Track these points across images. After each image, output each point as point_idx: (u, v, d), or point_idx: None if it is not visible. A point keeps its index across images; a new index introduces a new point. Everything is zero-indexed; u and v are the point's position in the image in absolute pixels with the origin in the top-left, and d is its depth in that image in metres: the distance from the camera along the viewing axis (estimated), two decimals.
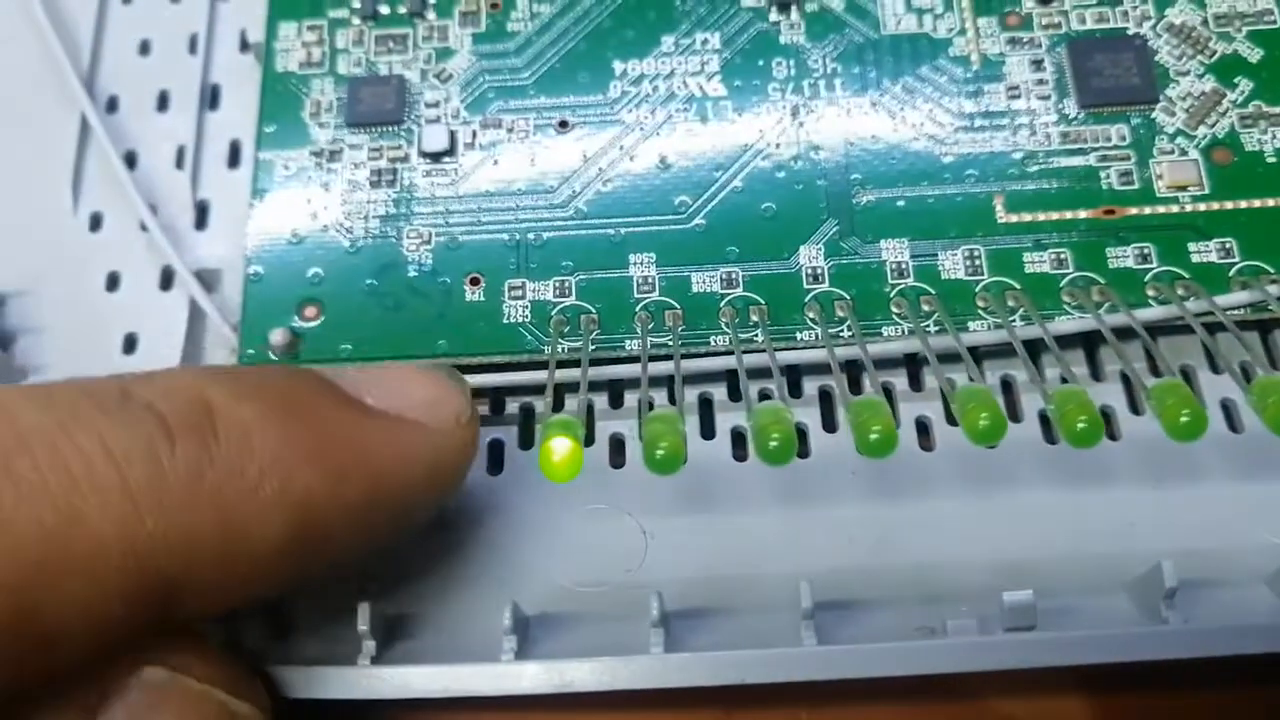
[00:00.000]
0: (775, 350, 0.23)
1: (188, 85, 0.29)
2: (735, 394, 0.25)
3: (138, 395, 0.17)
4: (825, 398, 0.25)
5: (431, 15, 0.28)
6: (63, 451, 0.16)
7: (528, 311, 0.25)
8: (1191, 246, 0.24)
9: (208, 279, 0.26)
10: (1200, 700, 0.22)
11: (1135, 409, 0.24)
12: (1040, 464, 0.23)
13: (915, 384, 0.25)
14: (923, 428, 0.24)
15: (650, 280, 0.25)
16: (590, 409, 0.24)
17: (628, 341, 0.24)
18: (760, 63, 0.27)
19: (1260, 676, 0.21)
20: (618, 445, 0.24)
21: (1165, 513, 0.23)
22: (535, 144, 0.26)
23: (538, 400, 0.25)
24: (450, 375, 0.21)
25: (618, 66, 0.27)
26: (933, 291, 0.24)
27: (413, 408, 0.20)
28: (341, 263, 0.25)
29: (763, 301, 0.24)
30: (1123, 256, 0.24)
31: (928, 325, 0.24)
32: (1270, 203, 0.25)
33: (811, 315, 0.24)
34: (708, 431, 0.24)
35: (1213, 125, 0.25)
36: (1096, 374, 0.24)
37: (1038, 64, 0.26)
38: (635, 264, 0.25)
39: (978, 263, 0.25)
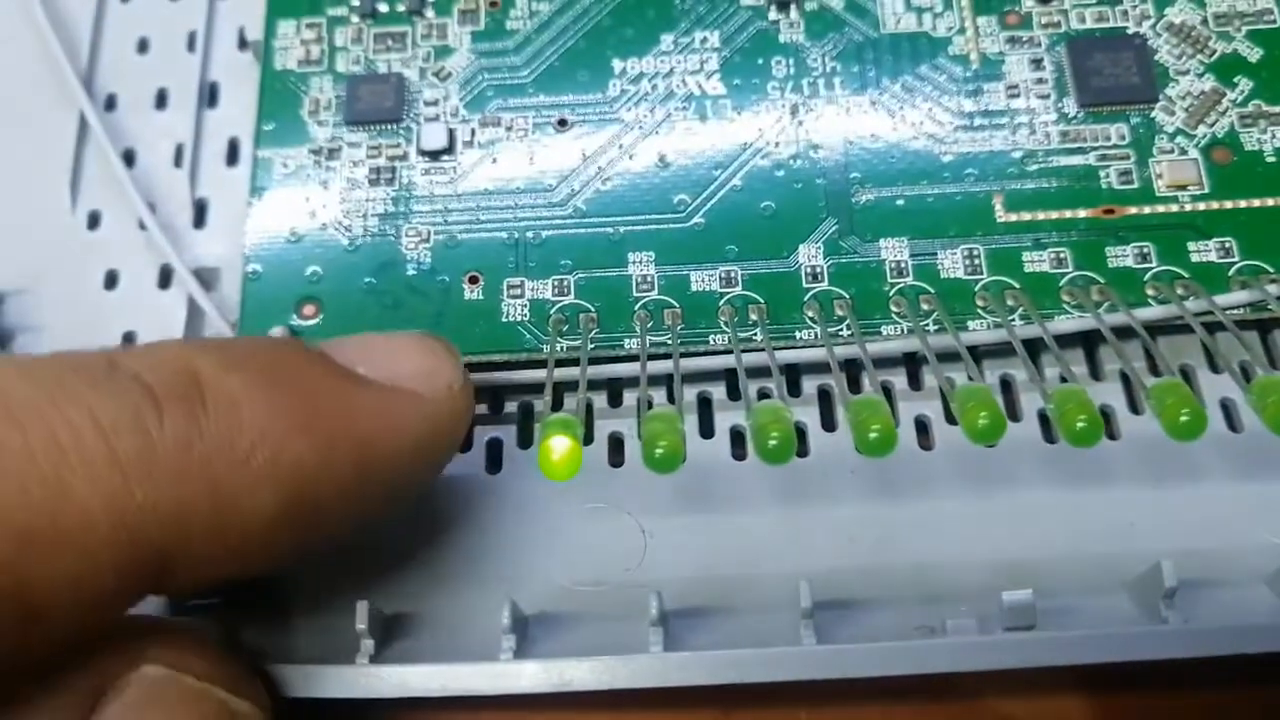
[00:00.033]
0: (774, 349, 0.23)
1: (186, 83, 0.29)
2: (734, 393, 0.25)
3: (125, 367, 0.17)
4: (824, 397, 0.25)
5: (430, 13, 0.28)
6: (50, 424, 0.16)
7: (526, 310, 0.25)
8: (1191, 246, 0.24)
9: (206, 277, 0.26)
10: (1200, 700, 0.22)
11: (1135, 408, 0.24)
12: (1040, 463, 0.23)
13: (914, 383, 0.25)
14: (922, 427, 0.24)
15: (649, 279, 0.25)
16: (589, 408, 0.24)
17: (627, 340, 0.24)
18: (759, 61, 0.27)
19: (1260, 676, 0.21)
20: (617, 444, 0.24)
21: (1165, 512, 0.23)
22: (534, 142, 0.26)
23: (537, 399, 0.25)
24: (442, 344, 0.21)
25: (617, 65, 0.27)
26: (932, 290, 0.24)
27: (404, 376, 0.20)
28: (340, 261, 0.25)
29: (762, 300, 0.24)
30: (1122, 256, 0.24)
31: (927, 324, 0.24)
32: (1270, 202, 0.25)
33: (811, 314, 0.24)
34: (707, 430, 0.24)
35: (1212, 124, 0.25)
36: (1096, 373, 0.24)
37: (1037, 63, 0.26)
38: (634, 263, 0.25)
39: (977, 262, 0.25)
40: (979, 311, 0.24)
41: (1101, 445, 0.22)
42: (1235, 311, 0.23)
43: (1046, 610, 0.20)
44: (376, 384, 0.19)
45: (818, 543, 0.23)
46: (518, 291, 0.25)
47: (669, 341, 0.24)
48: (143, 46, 0.29)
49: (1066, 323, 0.24)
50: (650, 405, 0.23)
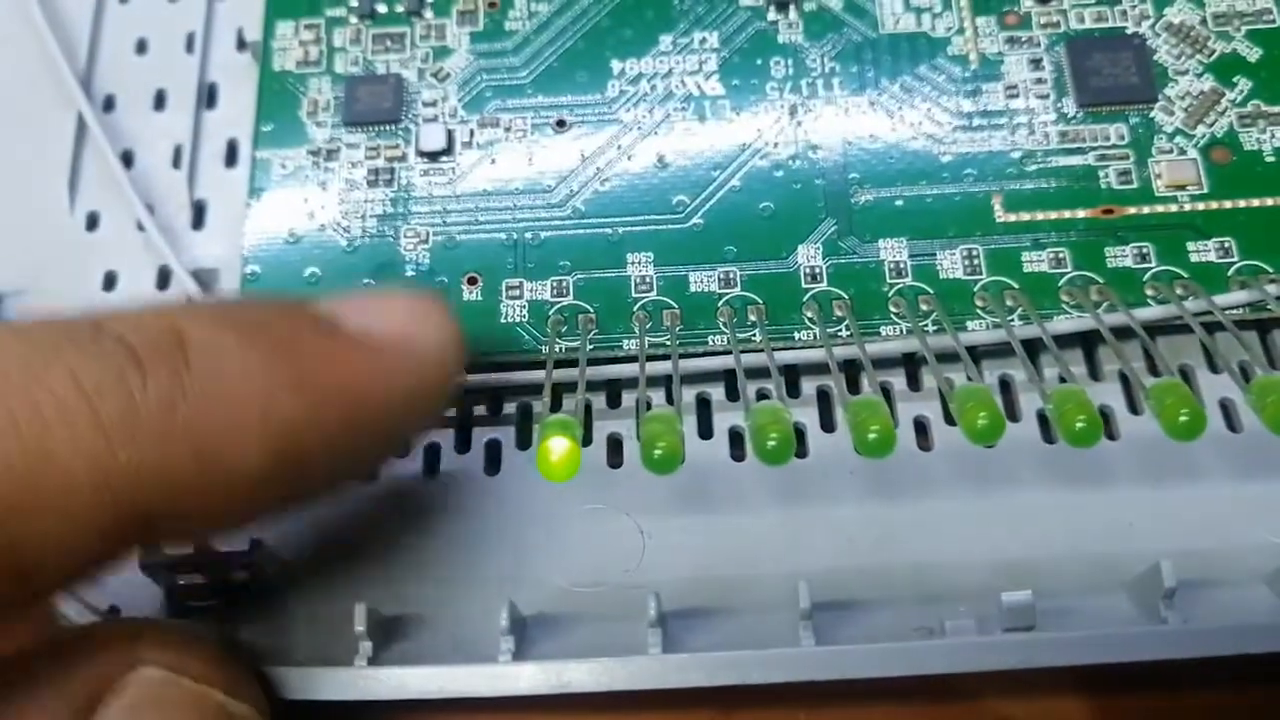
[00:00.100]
0: (773, 350, 0.23)
1: (185, 84, 0.29)
2: (733, 394, 0.25)
3: (109, 329, 0.16)
4: (823, 397, 0.24)
5: (429, 14, 0.28)
6: (32, 387, 0.15)
7: (525, 311, 0.25)
8: (1190, 246, 0.24)
9: (205, 278, 0.26)
10: (1200, 700, 0.21)
11: (1134, 409, 0.24)
12: (1039, 464, 0.23)
13: (914, 384, 0.25)
14: (921, 427, 0.24)
15: (648, 280, 0.25)
16: (588, 408, 0.24)
17: (625, 341, 0.24)
18: (758, 62, 0.27)
19: (1260, 676, 0.21)
20: (615, 445, 0.24)
21: (1164, 512, 0.23)
22: (533, 143, 0.26)
23: (535, 400, 0.25)
24: (431, 298, 0.20)
25: (616, 66, 0.27)
26: (931, 291, 0.24)
27: (392, 330, 0.19)
28: (339, 262, 0.25)
29: (761, 301, 0.24)
30: (1121, 256, 0.24)
31: (926, 325, 0.24)
32: (1269, 202, 0.25)
33: (809, 315, 0.24)
34: (705, 431, 0.24)
35: (1211, 124, 0.25)
36: (1095, 374, 0.24)
37: (1036, 63, 0.26)
38: (633, 263, 0.25)
39: (976, 262, 0.25)
40: (978, 312, 0.24)
41: (1101, 445, 0.22)
42: (1234, 311, 0.23)
43: (1046, 611, 0.20)
44: (364, 339, 0.19)
45: (817, 543, 0.23)
46: (516, 292, 0.25)
47: (668, 342, 0.24)
48: (141, 47, 0.29)
49: (1065, 323, 0.24)
50: (649, 406, 0.23)
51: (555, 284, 0.25)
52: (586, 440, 0.24)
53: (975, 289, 0.24)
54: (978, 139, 0.26)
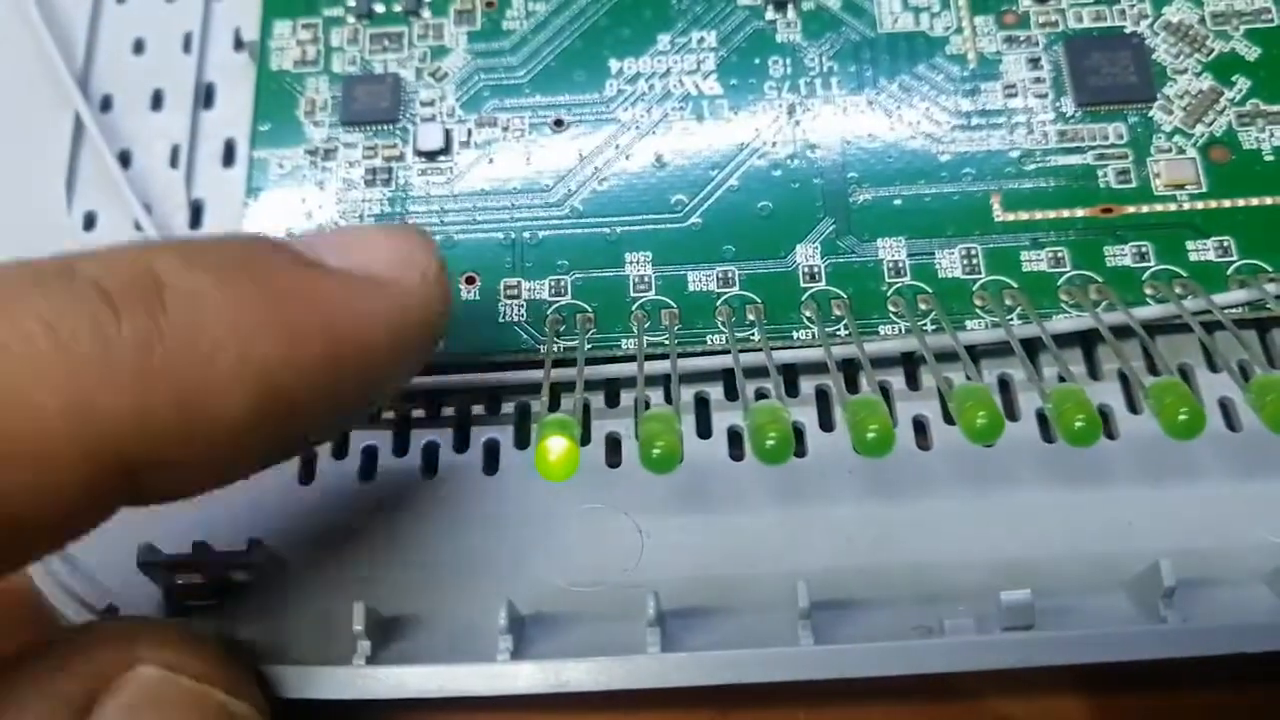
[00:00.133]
0: (772, 349, 0.23)
1: (182, 84, 0.29)
2: (732, 393, 0.25)
3: (82, 271, 0.16)
4: (822, 397, 0.24)
5: (426, 13, 0.28)
6: (3, 336, 0.15)
7: (523, 310, 0.25)
8: (1189, 245, 0.24)
9: None
10: (1199, 700, 0.21)
11: (1133, 408, 0.24)
12: (1038, 463, 0.23)
13: (912, 383, 0.25)
14: (920, 427, 0.24)
15: (646, 279, 0.25)
16: (586, 408, 0.24)
17: (624, 340, 0.24)
18: (756, 61, 0.27)
19: (1259, 675, 0.21)
20: (614, 444, 0.24)
21: (1163, 511, 0.23)
22: (531, 142, 0.26)
23: (534, 399, 0.25)
24: (414, 231, 0.20)
25: (614, 65, 0.27)
26: (930, 290, 0.24)
27: (375, 265, 0.19)
28: None
29: (759, 300, 0.24)
30: (1120, 255, 0.24)
31: (925, 324, 0.24)
32: (1268, 201, 0.25)
33: (808, 314, 0.24)
34: (704, 431, 0.24)
35: (1210, 123, 0.25)
36: (1094, 373, 0.24)
37: (1035, 62, 0.26)
38: (631, 263, 0.25)
39: (975, 261, 0.24)
40: (977, 311, 0.24)
41: (1100, 445, 0.22)
42: (1233, 310, 0.23)
43: (1045, 610, 0.20)
44: (346, 274, 0.18)
45: (815, 543, 0.23)
46: (514, 292, 0.25)
47: (666, 342, 0.24)
48: (138, 47, 0.29)
49: (1065, 322, 0.24)
50: (648, 405, 0.23)
51: (553, 283, 0.25)
52: (585, 440, 0.24)
53: (974, 288, 0.24)
54: (976, 138, 0.26)
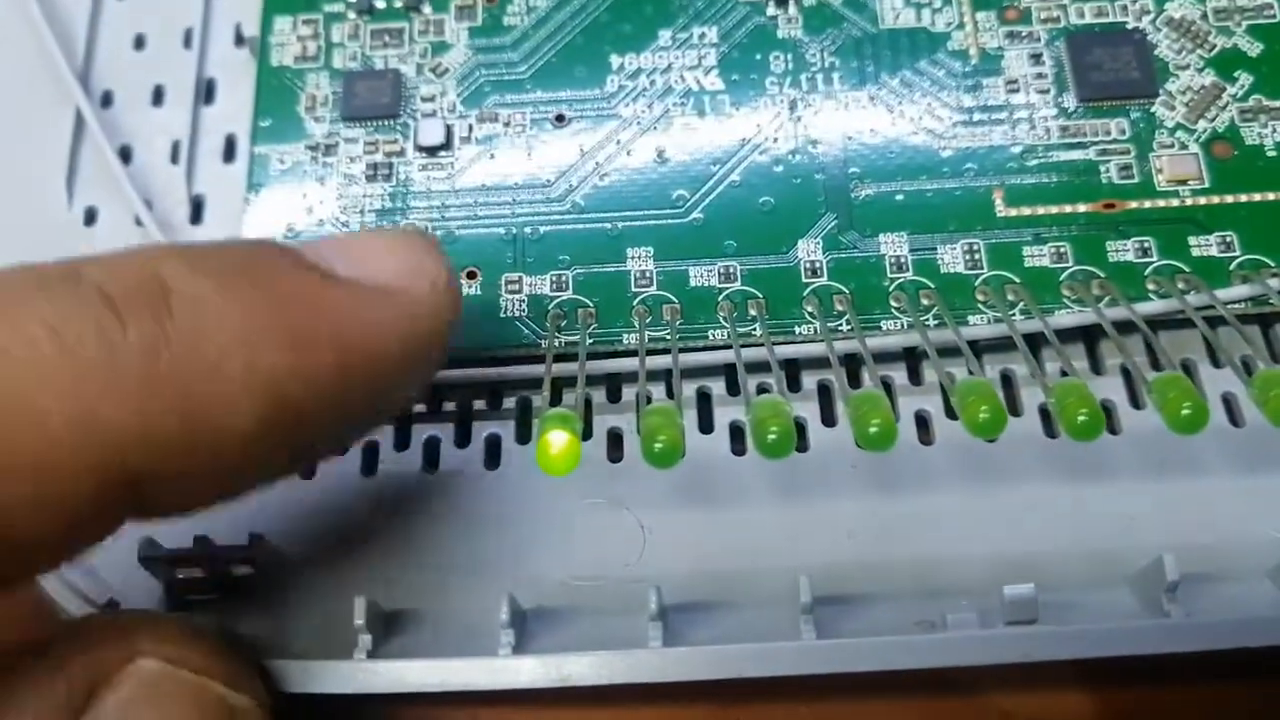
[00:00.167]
0: (773, 344, 0.23)
1: (183, 79, 0.29)
2: (733, 388, 0.24)
3: (88, 276, 0.16)
4: (824, 392, 0.24)
5: (427, 9, 0.28)
6: (5, 340, 0.15)
7: (525, 306, 0.25)
8: (1192, 240, 0.24)
9: None
10: (1202, 694, 0.21)
11: (1136, 403, 0.24)
12: (1041, 457, 0.23)
13: (915, 378, 0.25)
14: (922, 421, 0.24)
15: (648, 274, 0.25)
16: (588, 403, 0.24)
17: (625, 335, 0.24)
18: (758, 57, 0.27)
19: (1262, 670, 0.21)
20: (615, 439, 0.24)
21: (1167, 506, 0.23)
22: (532, 138, 0.26)
23: (535, 394, 0.25)
24: (424, 238, 0.20)
25: (615, 61, 0.27)
26: (932, 285, 0.24)
27: (385, 274, 0.18)
28: None
29: (761, 295, 0.24)
30: (1123, 250, 0.24)
31: (927, 319, 0.24)
32: (1271, 196, 0.25)
33: (810, 309, 0.24)
34: (706, 425, 0.24)
35: (1213, 119, 0.25)
36: (1097, 368, 0.24)
37: (1036, 58, 0.26)
38: (633, 258, 0.25)
39: (977, 257, 0.24)
40: (979, 306, 0.24)
41: (1103, 439, 0.22)
42: (1236, 305, 0.23)
43: (1048, 604, 0.20)
44: (355, 282, 0.18)
45: (817, 537, 0.23)
46: (516, 287, 0.25)
47: (668, 337, 0.24)
48: (139, 43, 0.29)
49: (1067, 317, 0.24)
50: (649, 400, 0.23)
51: (555, 278, 0.25)
52: (586, 434, 0.24)
53: (976, 283, 0.24)
54: (978, 134, 0.26)
